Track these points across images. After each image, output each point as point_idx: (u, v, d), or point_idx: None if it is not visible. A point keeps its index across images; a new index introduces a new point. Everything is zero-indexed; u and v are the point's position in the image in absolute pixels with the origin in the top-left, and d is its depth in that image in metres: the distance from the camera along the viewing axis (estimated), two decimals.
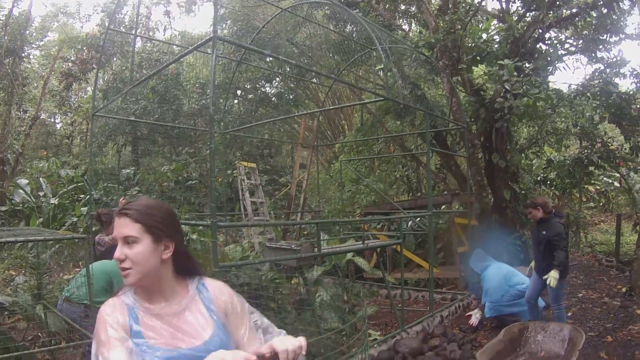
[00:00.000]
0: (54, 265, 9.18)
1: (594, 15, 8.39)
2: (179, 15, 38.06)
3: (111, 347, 1.35)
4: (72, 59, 18.03)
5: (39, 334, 5.58)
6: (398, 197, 12.51)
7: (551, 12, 8.47)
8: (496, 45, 8.76)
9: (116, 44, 15.71)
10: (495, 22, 9.59)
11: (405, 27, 11.92)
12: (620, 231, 10.54)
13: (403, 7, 10.73)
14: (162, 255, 1.50)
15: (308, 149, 14.02)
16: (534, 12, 8.80)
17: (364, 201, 10.42)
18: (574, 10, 8.55)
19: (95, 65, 16.12)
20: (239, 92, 15.41)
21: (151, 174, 13.56)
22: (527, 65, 7.95)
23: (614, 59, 8.62)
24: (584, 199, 14.54)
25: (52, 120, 24.62)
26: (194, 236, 7.46)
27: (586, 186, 12.86)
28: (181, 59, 13.59)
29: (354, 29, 10.20)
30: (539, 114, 8.37)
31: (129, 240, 1.46)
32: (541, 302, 5.92)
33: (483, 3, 10.09)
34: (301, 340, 1.31)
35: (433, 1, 11.42)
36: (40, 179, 14.05)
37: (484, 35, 9.04)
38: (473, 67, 9.05)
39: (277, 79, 14.23)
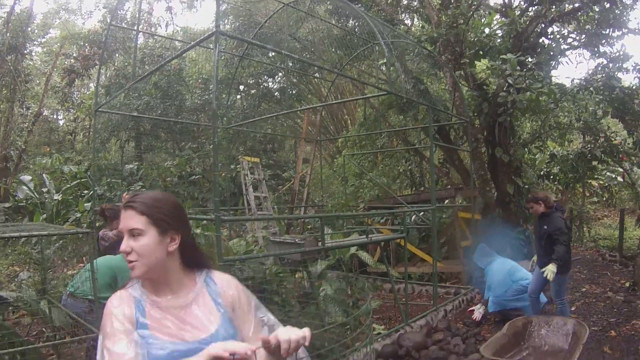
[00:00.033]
0: (58, 260, 9.21)
1: (597, 9, 8.36)
2: (181, 11, 37.81)
3: (116, 339, 1.36)
4: (74, 55, 17.98)
5: (44, 329, 5.61)
6: (401, 192, 12.48)
7: (554, 6, 8.44)
8: (499, 40, 8.71)
9: (118, 40, 15.68)
10: (497, 16, 9.55)
11: (408, 21, 11.87)
12: (624, 226, 10.53)
13: (405, 2, 10.69)
14: (168, 248, 1.50)
15: (311, 144, 14.00)
16: (536, 7, 8.76)
17: (367, 195, 10.40)
18: (577, 5, 8.53)
19: (97, 61, 16.07)
20: (241, 87, 15.35)
21: (154, 169, 13.56)
22: (529, 59, 7.93)
23: (617, 54, 8.58)
24: (587, 194, 14.50)
25: (55, 116, 24.68)
26: (198, 230, 7.47)
27: (589, 181, 12.87)
28: (183, 55, 13.56)
29: (357, 23, 10.16)
30: (542, 109, 8.36)
31: (134, 233, 1.46)
32: (543, 298, 5.92)
33: None
34: (305, 332, 1.32)
35: None
36: (44, 175, 14.10)
37: (487, 30, 8.99)
38: (476, 62, 9.02)
39: (280, 73, 14.17)
